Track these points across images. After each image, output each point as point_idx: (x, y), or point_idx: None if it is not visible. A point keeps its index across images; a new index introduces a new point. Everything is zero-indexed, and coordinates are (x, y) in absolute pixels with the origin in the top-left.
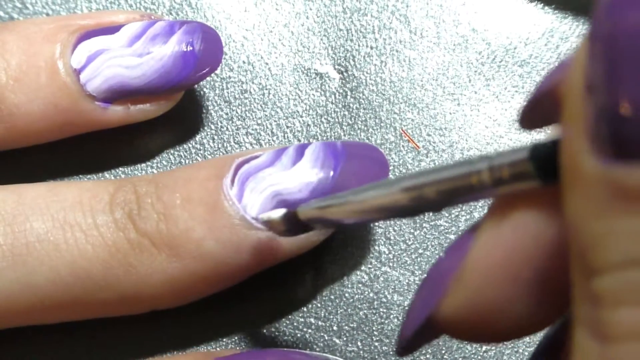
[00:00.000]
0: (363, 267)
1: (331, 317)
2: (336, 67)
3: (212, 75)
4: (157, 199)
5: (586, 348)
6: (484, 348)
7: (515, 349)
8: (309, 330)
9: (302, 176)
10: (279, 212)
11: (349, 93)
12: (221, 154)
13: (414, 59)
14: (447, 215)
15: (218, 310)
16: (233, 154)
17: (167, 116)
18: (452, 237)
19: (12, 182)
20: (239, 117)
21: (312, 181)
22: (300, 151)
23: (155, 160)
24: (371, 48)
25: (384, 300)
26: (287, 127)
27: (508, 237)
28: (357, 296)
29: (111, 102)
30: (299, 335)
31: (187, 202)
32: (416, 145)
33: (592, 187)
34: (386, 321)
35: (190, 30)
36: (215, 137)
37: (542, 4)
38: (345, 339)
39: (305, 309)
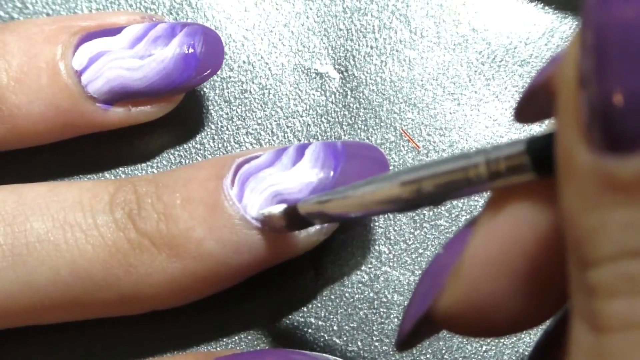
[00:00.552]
0: (363, 267)
1: (331, 317)
2: (336, 67)
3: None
4: (157, 199)
5: (582, 340)
6: (484, 348)
7: (516, 349)
8: (309, 330)
9: (302, 176)
10: (280, 207)
11: (349, 93)
12: (221, 154)
13: (414, 58)
14: (447, 215)
15: (218, 310)
16: (233, 154)
17: (167, 116)
18: None
19: (12, 182)
20: (239, 117)
21: (312, 181)
22: (301, 151)
23: (155, 160)
24: (371, 48)
25: (384, 300)
26: (287, 127)
27: (505, 231)
28: (357, 296)
29: (112, 104)
30: (299, 335)
31: (188, 202)
32: (416, 145)
33: (586, 179)
34: (386, 321)
35: (192, 33)
36: (215, 137)
37: (542, 4)
38: (345, 339)
39: (305, 309)
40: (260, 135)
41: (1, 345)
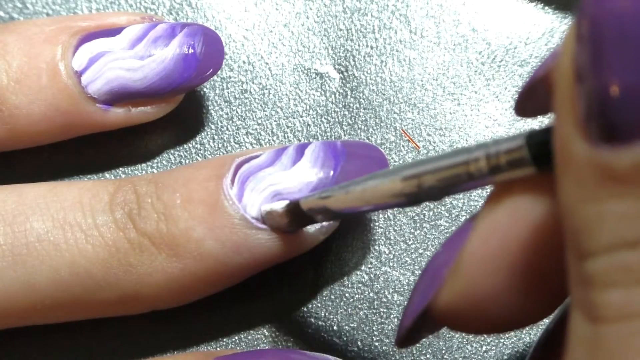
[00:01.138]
0: (363, 267)
1: (331, 317)
2: (336, 67)
3: None
4: (157, 198)
5: (579, 330)
6: (484, 348)
7: (516, 349)
8: (309, 330)
9: (302, 176)
10: (282, 204)
11: (349, 93)
12: (221, 154)
13: (414, 58)
14: (447, 215)
15: (218, 310)
16: (233, 154)
17: (167, 116)
18: None
19: (12, 182)
20: (239, 117)
21: (312, 181)
22: (300, 151)
23: (155, 160)
24: (371, 48)
25: (384, 300)
26: (287, 127)
27: (504, 227)
28: (357, 296)
29: (112, 105)
30: (298, 335)
31: (187, 201)
32: (416, 145)
33: (583, 171)
34: (386, 321)
35: (192, 33)
36: (215, 137)
37: (542, 4)
38: (345, 339)
39: (305, 309)
40: (260, 135)
41: (1, 345)
